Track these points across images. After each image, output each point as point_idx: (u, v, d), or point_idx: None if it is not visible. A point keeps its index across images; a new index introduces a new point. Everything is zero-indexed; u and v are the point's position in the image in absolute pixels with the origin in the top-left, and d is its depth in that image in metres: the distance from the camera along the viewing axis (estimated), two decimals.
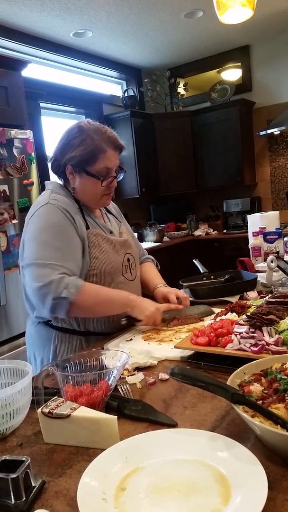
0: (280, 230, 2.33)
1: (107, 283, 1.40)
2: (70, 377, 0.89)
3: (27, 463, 0.66)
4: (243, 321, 1.13)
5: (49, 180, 1.54)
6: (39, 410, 0.80)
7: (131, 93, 4.83)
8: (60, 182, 1.49)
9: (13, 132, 2.57)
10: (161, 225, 4.67)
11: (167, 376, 1.02)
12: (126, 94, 4.81)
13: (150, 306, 1.36)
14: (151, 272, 1.70)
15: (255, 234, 2.34)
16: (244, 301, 1.39)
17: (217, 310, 1.39)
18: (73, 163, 1.38)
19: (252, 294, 1.57)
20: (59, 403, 0.81)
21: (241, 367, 0.83)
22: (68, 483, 0.69)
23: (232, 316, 1.25)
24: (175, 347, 1.15)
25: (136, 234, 1.76)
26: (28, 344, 1.53)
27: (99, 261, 1.40)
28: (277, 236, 2.28)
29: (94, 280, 1.38)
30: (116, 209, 1.69)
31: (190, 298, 1.54)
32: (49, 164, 1.48)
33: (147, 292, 1.63)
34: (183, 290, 1.65)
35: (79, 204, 1.44)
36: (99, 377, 0.89)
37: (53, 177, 1.55)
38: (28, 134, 2.69)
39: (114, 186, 1.45)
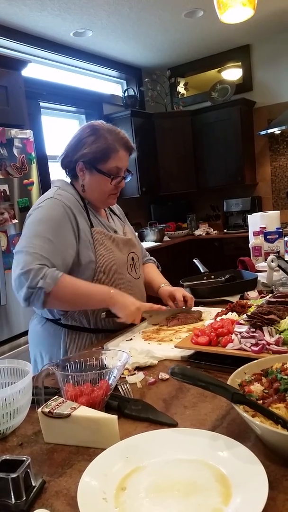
0: (281, 230, 2.33)
1: (114, 280, 1.42)
2: (70, 376, 0.89)
3: (27, 463, 0.66)
4: (244, 320, 1.12)
5: (50, 180, 1.54)
6: (39, 409, 0.80)
7: (131, 92, 4.83)
8: (67, 180, 1.51)
9: (13, 131, 2.57)
10: (162, 225, 4.67)
11: (167, 376, 1.02)
12: (126, 94, 4.81)
13: (131, 304, 1.34)
14: (154, 272, 1.71)
15: (256, 234, 2.34)
16: (245, 301, 1.39)
17: (217, 309, 1.39)
18: (85, 159, 1.41)
19: (252, 293, 1.57)
20: (59, 403, 0.81)
21: (242, 367, 0.83)
22: (68, 483, 0.69)
23: (232, 315, 1.24)
24: (176, 346, 1.15)
25: (136, 234, 1.76)
26: (32, 343, 1.53)
27: (105, 258, 1.41)
28: (277, 236, 2.27)
29: (103, 278, 1.40)
30: (120, 210, 1.71)
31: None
32: (59, 160, 1.50)
33: (151, 292, 1.64)
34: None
35: (84, 203, 1.45)
36: (99, 376, 0.89)
37: (53, 178, 1.55)
38: (28, 133, 2.69)
39: (122, 186, 1.47)
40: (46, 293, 1.24)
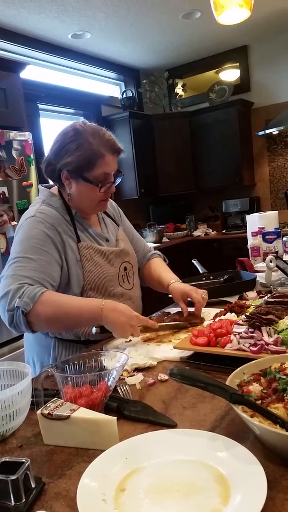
0: (279, 230, 2.33)
1: (105, 295, 1.35)
2: (69, 378, 0.89)
3: (26, 465, 0.66)
4: (242, 321, 1.13)
5: (48, 182, 1.48)
6: (39, 411, 0.80)
7: (129, 94, 4.84)
8: (55, 187, 1.42)
9: (12, 134, 2.58)
10: (160, 226, 4.67)
11: (166, 377, 1.02)
12: (124, 95, 4.82)
13: (125, 322, 1.19)
14: (162, 267, 1.61)
15: (254, 234, 2.34)
16: (243, 301, 1.39)
17: (216, 310, 1.39)
18: (69, 168, 1.31)
19: (251, 294, 1.57)
20: (59, 405, 0.81)
21: (240, 367, 0.83)
22: (68, 484, 0.69)
23: (231, 316, 1.25)
24: (175, 347, 1.15)
25: (134, 231, 1.69)
26: (26, 348, 1.50)
27: (93, 275, 1.35)
28: (276, 236, 2.28)
29: (92, 295, 1.34)
30: (114, 209, 1.62)
31: (188, 299, 1.45)
32: (43, 168, 1.39)
33: (161, 289, 1.55)
34: None
35: (71, 215, 1.38)
36: (98, 378, 0.89)
37: (41, 185, 1.50)
38: (27, 135, 2.69)
39: (112, 191, 1.39)
40: (26, 313, 1.14)
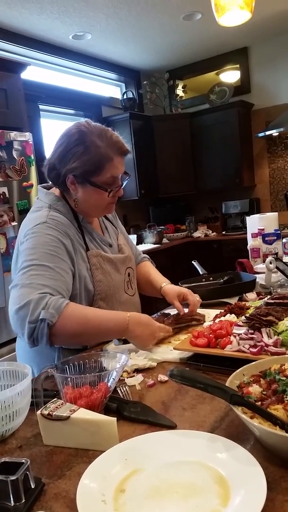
0: (279, 232, 2.34)
1: (112, 306, 1.33)
2: (69, 379, 0.89)
3: (26, 465, 0.66)
4: (242, 322, 1.13)
5: (49, 183, 1.39)
6: (39, 412, 0.80)
7: (130, 95, 4.85)
8: (56, 189, 1.35)
9: (13, 134, 2.58)
10: (160, 227, 4.67)
11: (166, 378, 1.02)
12: (125, 96, 4.82)
13: (150, 337, 1.18)
14: (152, 271, 1.61)
15: (254, 236, 2.34)
16: (243, 303, 1.39)
17: (216, 311, 1.39)
18: (76, 173, 1.24)
19: (251, 295, 1.57)
20: (59, 405, 0.81)
21: (240, 368, 0.83)
22: (67, 485, 0.69)
23: (231, 317, 1.25)
24: (174, 348, 1.15)
25: (135, 236, 1.73)
26: (20, 358, 1.40)
27: (103, 284, 1.31)
28: (275, 238, 2.28)
29: (102, 305, 1.31)
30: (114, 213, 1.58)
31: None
32: (45, 172, 1.32)
33: (151, 292, 1.55)
34: None
35: (78, 221, 1.33)
36: (98, 379, 0.89)
37: (40, 184, 1.44)
38: (28, 136, 2.69)
39: (120, 194, 1.34)
40: (50, 325, 1.05)
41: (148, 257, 1.71)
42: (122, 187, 1.34)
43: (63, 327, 1.07)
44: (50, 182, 1.36)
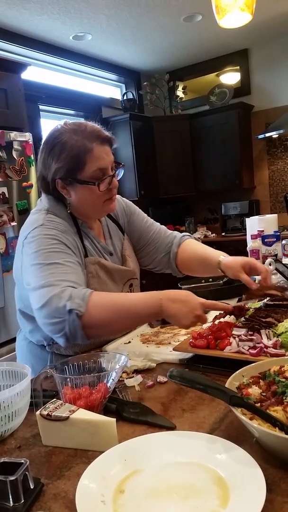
0: (278, 233, 2.34)
1: None
2: (68, 379, 0.89)
3: (25, 466, 0.66)
4: (242, 323, 1.13)
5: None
6: (38, 412, 0.80)
7: (130, 96, 4.85)
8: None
9: (13, 134, 2.58)
10: None
11: (165, 379, 1.02)
12: (125, 97, 4.83)
13: (189, 313, 1.08)
14: (200, 247, 1.44)
15: (254, 237, 2.34)
16: (243, 304, 1.39)
17: (215, 312, 1.39)
18: (61, 175, 1.20)
19: None
20: (58, 406, 0.81)
21: (240, 370, 0.83)
22: (66, 486, 0.69)
23: (230, 318, 1.25)
24: (174, 349, 1.15)
25: (149, 222, 1.53)
26: (19, 358, 1.40)
27: None
28: (275, 239, 2.28)
29: None
30: (121, 210, 1.46)
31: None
32: (39, 186, 1.29)
33: (207, 271, 1.42)
34: None
35: (77, 226, 1.28)
36: (97, 379, 0.89)
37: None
38: (28, 136, 2.70)
39: (116, 186, 1.25)
40: (80, 316, 1.00)
41: (189, 235, 1.54)
42: (118, 178, 1.26)
43: (94, 315, 1.02)
44: (46, 194, 1.29)
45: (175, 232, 1.54)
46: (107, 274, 1.30)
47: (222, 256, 1.32)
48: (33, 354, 1.31)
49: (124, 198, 1.52)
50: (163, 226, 1.56)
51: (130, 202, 1.54)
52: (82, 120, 1.24)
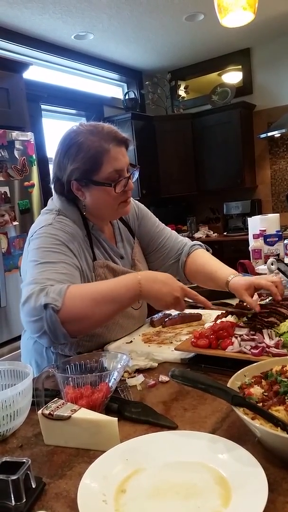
0: (281, 233, 2.34)
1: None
2: (70, 379, 0.89)
3: (27, 465, 0.66)
4: (244, 323, 1.13)
5: (50, 182, 1.34)
6: (40, 411, 0.80)
7: (132, 95, 4.85)
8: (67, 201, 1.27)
9: (14, 134, 2.58)
10: None
11: (167, 378, 1.02)
12: (127, 97, 4.83)
13: (167, 294, 1.06)
14: (212, 261, 1.37)
15: (256, 237, 2.34)
16: (245, 304, 1.39)
17: (217, 312, 1.39)
18: (77, 177, 1.19)
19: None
20: (60, 405, 0.81)
21: (242, 370, 0.83)
22: (68, 485, 0.69)
23: (232, 318, 1.25)
24: (176, 349, 1.15)
25: (160, 227, 1.50)
26: (24, 356, 1.40)
27: None
28: (277, 239, 2.28)
29: None
30: (132, 213, 1.45)
31: (190, 301, 1.34)
32: (52, 187, 1.28)
33: (213, 286, 1.35)
34: None
35: (88, 229, 1.26)
36: (99, 379, 0.89)
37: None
38: (29, 136, 2.70)
39: (131, 188, 1.25)
40: (57, 310, 0.98)
41: (201, 244, 1.49)
42: (133, 180, 1.25)
43: (72, 308, 0.99)
44: (60, 196, 1.28)
45: (186, 239, 1.51)
46: (115, 276, 1.25)
47: (231, 276, 1.26)
48: (38, 353, 1.31)
49: (136, 201, 1.49)
50: (174, 232, 1.53)
51: (142, 205, 1.52)
52: (97, 122, 1.24)
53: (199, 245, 1.47)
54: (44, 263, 1.10)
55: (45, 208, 1.31)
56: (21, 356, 1.43)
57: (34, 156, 2.71)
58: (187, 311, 1.47)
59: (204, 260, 1.40)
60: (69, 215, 1.24)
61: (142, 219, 1.47)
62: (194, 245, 1.47)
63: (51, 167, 1.32)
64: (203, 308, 1.27)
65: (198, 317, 1.45)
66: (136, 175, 1.26)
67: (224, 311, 1.29)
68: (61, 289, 1.01)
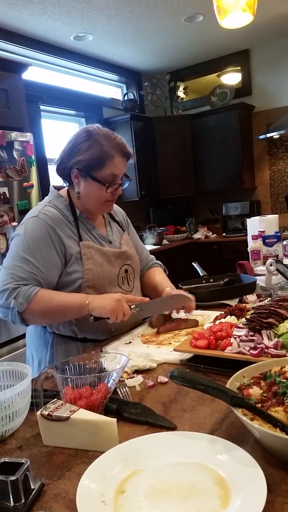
0: (279, 234, 2.34)
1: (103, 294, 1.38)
2: (69, 379, 0.89)
3: (26, 466, 0.66)
4: (243, 324, 1.13)
5: (49, 183, 1.51)
6: (39, 412, 0.80)
7: (131, 96, 4.85)
8: (65, 189, 1.47)
9: (13, 134, 2.58)
10: (161, 228, 4.68)
11: (166, 379, 1.02)
12: (126, 98, 4.83)
13: (109, 300, 1.29)
14: (159, 276, 1.67)
15: (254, 238, 2.34)
16: (243, 304, 1.39)
17: (216, 313, 1.39)
18: (80, 167, 1.36)
19: (251, 297, 1.57)
20: (59, 406, 0.81)
21: (241, 370, 0.83)
22: (67, 486, 0.69)
23: (231, 319, 1.25)
24: (175, 350, 1.15)
25: (138, 240, 1.72)
26: (28, 343, 1.53)
27: (92, 273, 1.37)
28: (276, 240, 2.28)
29: (90, 292, 1.36)
30: (123, 216, 1.68)
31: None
32: (55, 166, 1.45)
33: (155, 296, 1.58)
34: None
35: (75, 216, 1.42)
36: (98, 379, 0.89)
37: (53, 181, 1.53)
38: (28, 136, 2.70)
39: (119, 193, 1.44)
40: (21, 312, 1.25)
41: (160, 263, 1.76)
42: (123, 188, 1.44)
43: (33, 311, 1.27)
44: (59, 177, 1.47)
45: (152, 256, 1.77)
46: (103, 257, 1.42)
47: (167, 288, 1.55)
48: (38, 337, 1.45)
49: (121, 210, 1.70)
50: (146, 247, 1.80)
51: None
52: (113, 132, 1.44)
53: (159, 264, 1.75)
54: (24, 258, 1.30)
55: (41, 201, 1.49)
56: (26, 347, 1.55)
57: (33, 157, 2.71)
58: (183, 316, 1.48)
59: (154, 274, 1.68)
60: (58, 204, 1.42)
61: (129, 227, 1.68)
62: (155, 263, 1.75)
63: (50, 167, 1.45)
64: (202, 309, 1.42)
65: (194, 324, 1.43)
66: (127, 184, 1.46)
67: (223, 312, 1.30)
68: (30, 295, 1.26)
